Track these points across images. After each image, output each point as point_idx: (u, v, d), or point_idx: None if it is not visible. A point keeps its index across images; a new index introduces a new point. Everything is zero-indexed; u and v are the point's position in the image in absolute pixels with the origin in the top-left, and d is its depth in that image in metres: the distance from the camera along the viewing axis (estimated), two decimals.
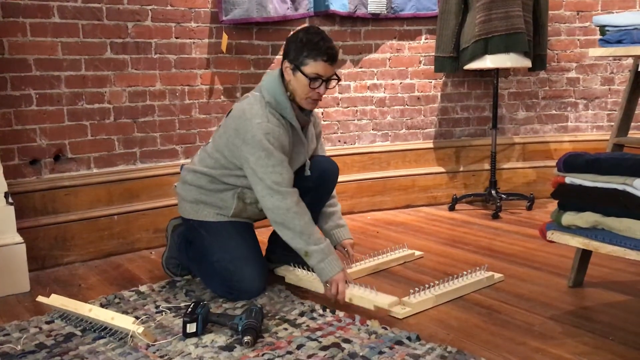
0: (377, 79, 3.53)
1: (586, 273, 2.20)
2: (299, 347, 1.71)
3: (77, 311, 1.90)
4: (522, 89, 3.74)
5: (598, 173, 1.78)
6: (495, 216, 3.29)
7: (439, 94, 3.65)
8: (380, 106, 3.56)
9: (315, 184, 2.24)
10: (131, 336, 1.76)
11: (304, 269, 2.26)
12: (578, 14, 3.68)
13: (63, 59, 2.65)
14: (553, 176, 1.93)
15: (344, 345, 1.71)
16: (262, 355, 1.66)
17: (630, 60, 3.52)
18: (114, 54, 2.78)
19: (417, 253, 2.63)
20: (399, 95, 3.58)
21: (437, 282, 2.12)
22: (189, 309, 1.80)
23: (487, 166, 3.59)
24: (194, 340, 1.77)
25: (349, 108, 3.49)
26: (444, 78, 3.64)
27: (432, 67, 3.47)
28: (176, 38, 2.94)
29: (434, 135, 3.68)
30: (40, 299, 2.00)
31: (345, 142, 3.51)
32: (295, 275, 2.27)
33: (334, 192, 2.41)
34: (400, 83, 3.57)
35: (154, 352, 1.70)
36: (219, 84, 3.10)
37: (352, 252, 2.37)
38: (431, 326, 1.87)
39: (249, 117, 2.04)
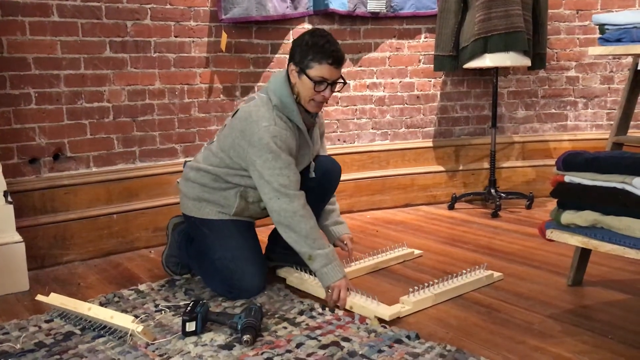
0: (377, 78, 3.53)
1: (585, 272, 2.20)
2: (299, 345, 1.71)
3: (76, 310, 1.90)
4: (521, 88, 3.73)
5: (597, 172, 1.78)
6: (495, 215, 3.29)
7: (439, 92, 3.65)
8: (380, 105, 3.55)
9: (318, 184, 2.24)
10: (130, 335, 1.76)
11: (306, 272, 2.25)
12: (577, 13, 3.68)
13: (62, 58, 2.65)
14: (552, 175, 1.93)
15: (343, 343, 1.71)
16: (262, 353, 1.66)
17: (629, 59, 3.51)
18: (113, 52, 2.78)
19: (417, 252, 2.63)
20: (399, 94, 3.58)
21: (436, 280, 2.12)
22: (188, 308, 1.81)
23: (486, 165, 3.59)
24: (193, 339, 1.77)
25: (348, 107, 3.49)
26: (443, 77, 3.64)
27: (432, 65, 3.47)
28: (175, 37, 2.94)
29: (434, 134, 3.68)
30: (40, 297, 1.99)
31: (344, 141, 3.51)
32: (297, 278, 2.25)
33: None
34: (400, 82, 3.57)
35: (153, 351, 1.70)
36: (219, 83, 3.10)
37: (351, 245, 2.38)
38: (430, 325, 1.87)
39: (255, 120, 2.04)
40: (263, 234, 2.40)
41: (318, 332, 1.80)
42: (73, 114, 2.70)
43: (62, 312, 1.96)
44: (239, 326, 1.75)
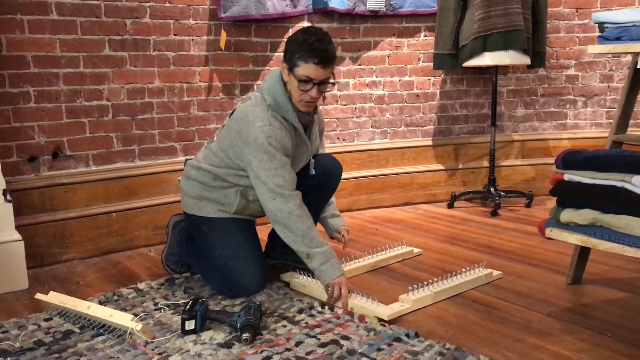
0: (376, 77, 3.52)
1: (585, 270, 2.20)
2: (298, 344, 1.71)
3: (75, 308, 1.90)
4: (521, 87, 3.73)
5: (597, 170, 1.78)
6: (494, 213, 3.29)
7: (438, 91, 3.65)
8: (379, 103, 3.55)
9: (319, 182, 2.24)
10: (130, 333, 1.76)
11: (309, 276, 2.22)
12: (577, 11, 3.68)
13: (61, 56, 2.64)
14: (552, 173, 1.93)
15: (342, 342, 1.71)
16: (261, 352, 1.66)
17: (629, 57, 3.50)
18: (112, 51, 2.77)
19: (416, 250, 2.63)
20: (398, 92, 3.58)
21: (435, 279, 2.12)
22: (188, 306, 1.80)
23: (486, 163, 3.59)
24: (193, 337, 1.77)
25: (347, 105, 3.49)
26: (442, 75, 3.64)
27: (431, 64, 3.47)
28: (175, 35, 2.93)
29: (433, 132, 3.68)
30: (39, 296, 1.99)
31: (344, 140, 3.51)
32: (299, 282, 2.22)
33: None
34: (399, 80, 3.57)
35: (153, 349, 1.70)
36: (218, 82, 3.09)
37: (348, 237, 2.40)
38: (430, 323, 1.87)
39: (251, 120, 2.03)
40: (263, 232, 2.40)
41: (317, 330, 1.80)
42: (72, 112, 2.70)
43: (61, 310, 1.96)
44: (238, 324, 1.75)
